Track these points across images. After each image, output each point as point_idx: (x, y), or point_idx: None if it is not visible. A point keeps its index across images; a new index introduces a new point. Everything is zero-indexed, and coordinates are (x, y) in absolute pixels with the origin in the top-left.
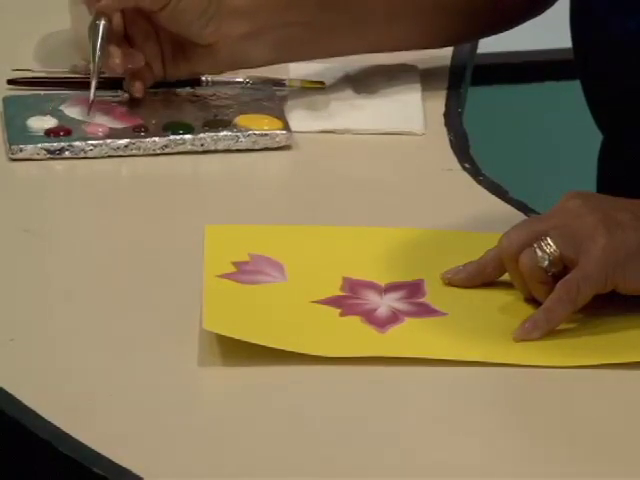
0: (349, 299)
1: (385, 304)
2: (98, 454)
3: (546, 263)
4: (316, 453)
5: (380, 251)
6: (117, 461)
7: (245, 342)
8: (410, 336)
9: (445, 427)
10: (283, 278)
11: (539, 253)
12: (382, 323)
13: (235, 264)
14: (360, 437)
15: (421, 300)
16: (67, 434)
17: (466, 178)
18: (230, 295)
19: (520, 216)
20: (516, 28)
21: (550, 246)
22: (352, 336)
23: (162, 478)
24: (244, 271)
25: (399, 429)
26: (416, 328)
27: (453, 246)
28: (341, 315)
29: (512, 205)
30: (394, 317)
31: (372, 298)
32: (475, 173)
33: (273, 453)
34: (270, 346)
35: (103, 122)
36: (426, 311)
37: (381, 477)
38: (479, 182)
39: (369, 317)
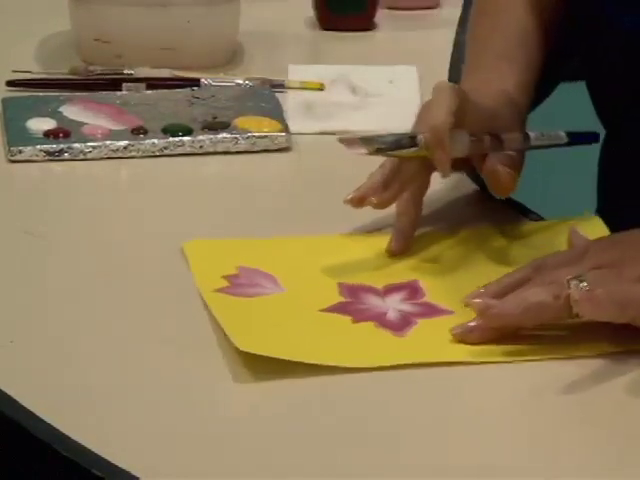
0: (354, 305)
1: (391, 307)
2: (97, 456)
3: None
4: (316, 453)
5: (368, 255)
6: (116, 463)
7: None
8: (430, 339)
9: (446, 428)
10: (280, 289)
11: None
12: (397, 327)
13: (226, 278)
14: (360, 437)
15: (423, 300)
16: (66, 436)
17: (465, 180)
18: (237, 309)
19: (520, 218)
20: None
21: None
22: (374, 343)
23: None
24: (237, 284)
25: (399, 430)
26: (431, 330)
27: (440, 245)
28: (353, 322)
29: (512, 207)
30: (406, 319)
31: (375, 302)
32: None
33: (272, 453)
34: (307, 362)
35: (102, 124)
36: (433, 311)
37: (381, 477)
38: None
39: (382, 321)
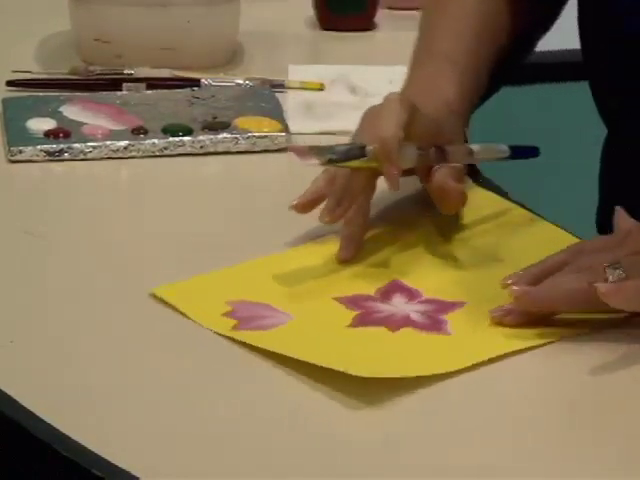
0: (372, 314)
1: (408, 309)
2: (97, 456)
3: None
4: (316, 453)
5: (333, 264)
6: (116, 463)
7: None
8: (474, 332)
9: (446, 428)
10: (288, 316)
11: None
12: (431, 327)
13: (227, 315)
14: (360, 437)
15: (425, 298)
16: (66, 436)
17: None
18: (280, 342)
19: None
20: None
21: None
22: (434, 347)
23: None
24: (243, 319)
25: (399, 430)
26: (466, 322)
27: (396, 244)
28: (390, 330)
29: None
30: (433, 318)
31: (388, 307)
32: (475, 175)
33: (272, 453)
34: (405, 376)
35: (102, 124)
36: (446, 305)
37: (381, 477)
38: (479, 184)
39: (417, 325)
